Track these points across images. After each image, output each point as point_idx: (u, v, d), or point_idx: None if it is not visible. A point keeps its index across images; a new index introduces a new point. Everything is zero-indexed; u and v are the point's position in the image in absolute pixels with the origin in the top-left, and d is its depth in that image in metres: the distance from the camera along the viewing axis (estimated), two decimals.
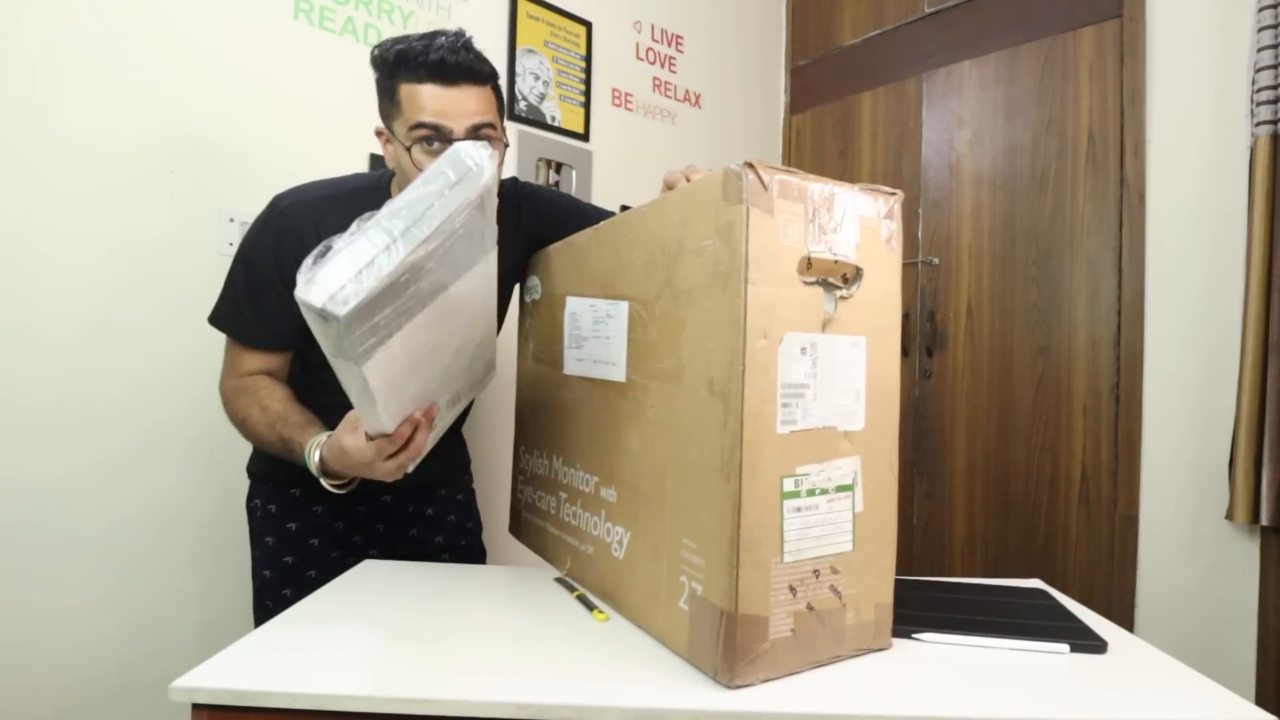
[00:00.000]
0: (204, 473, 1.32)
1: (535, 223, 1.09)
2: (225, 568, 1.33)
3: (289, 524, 1.05)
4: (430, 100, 0.85)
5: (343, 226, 0.92)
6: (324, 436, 0.84)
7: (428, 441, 0.80)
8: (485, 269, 0.76)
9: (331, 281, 0.60)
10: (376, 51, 0.88)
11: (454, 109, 0.86)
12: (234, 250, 1.31)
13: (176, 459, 1.30)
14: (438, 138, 0.86)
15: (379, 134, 0.94)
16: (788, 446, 0.65)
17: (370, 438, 0.75)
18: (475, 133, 0.88)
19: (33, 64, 1.16)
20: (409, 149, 0.86)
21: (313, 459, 0.83)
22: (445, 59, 0.85)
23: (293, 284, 0.90)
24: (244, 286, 0.95)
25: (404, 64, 0.86)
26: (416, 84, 0.85)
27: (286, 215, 0.92)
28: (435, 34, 0.87)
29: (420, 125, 0.85)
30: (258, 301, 0.94)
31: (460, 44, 0.87)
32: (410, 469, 0.80)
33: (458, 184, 0.64)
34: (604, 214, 1.11)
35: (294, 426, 0.88)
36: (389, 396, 0.71)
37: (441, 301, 0.70)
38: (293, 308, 0.91)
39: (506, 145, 0.95)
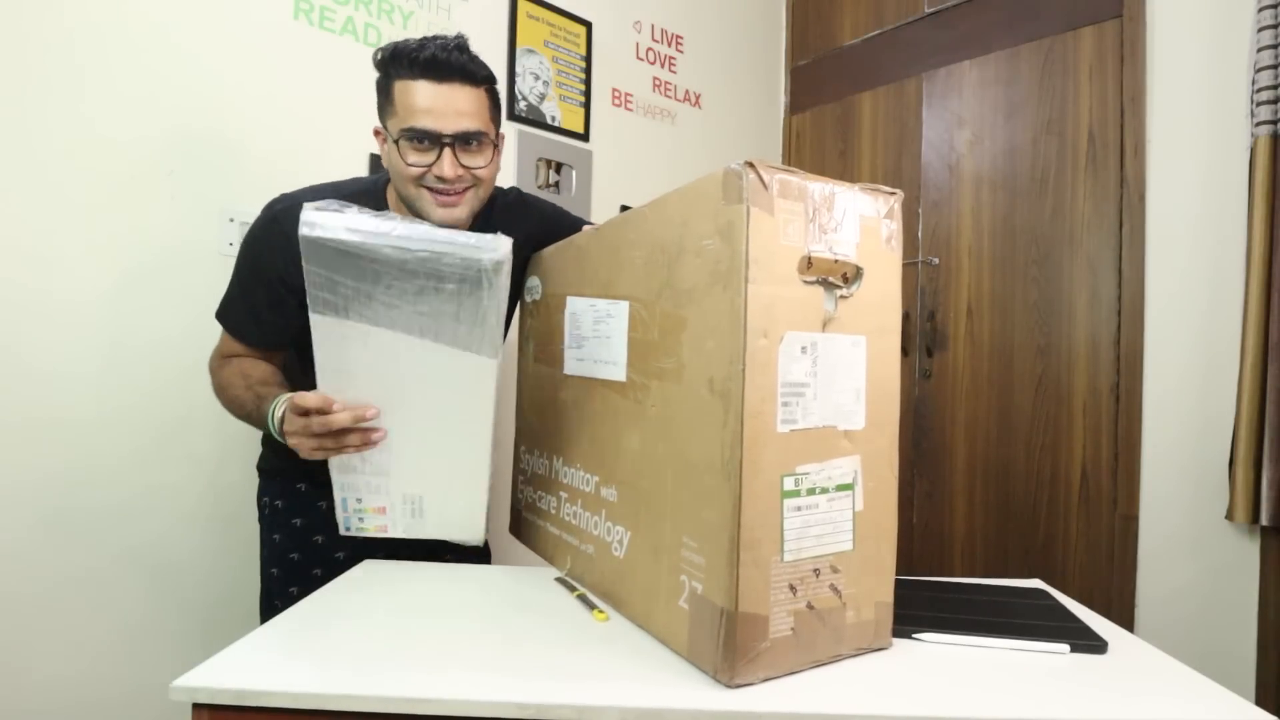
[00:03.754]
0: (207, 471, 1.32)
1: (539, 233, 1.11)
2: (229, 566, 1.33)
3: (294, 519, 1.07)
4: (422, 97, 0.87)
5: None
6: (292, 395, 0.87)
7: (377, 461, 0.86)
8: (472, 371, 0.82)
9: (322, 218, 0.75)
10: (377, 52, 0.90)
11: (444, 106, 0.88)
12: (234, 250, 1.33)
13: (178, 457, 1.30)
14: (427, 139, 0.88)
15: (376, 133, 0.96)
16: (788, 445, 0.65)
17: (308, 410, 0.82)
18: (464, 139, 0.90)
19: (32, 65, 1.16)
20: (397, 142, 0.89)
21: (276, 412, 0.86)
22: (437, 55, 0.87)
23: (280, 285, 0.94)
24: (237, 282, 0.99)
25: (398, 60, 0.88)
26: (410, 80, 0.87)
27: (278, 219, 0.94)
28: (432, 36, 0.89)
29: (411, 129, 0.88)
30: (249, 300, 0.97)
31: (454, 44, 0.89)
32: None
33: (473, 260, 0.76)
34: (582, 222, 1.17)
35: (272, 387, 0.92)
36: (329, 372, 0.82)
37: (403, 344, 0.79)
38: (281, 311, 0.96)
39: (498, 147, 0.97)
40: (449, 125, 0.88)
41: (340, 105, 1.47)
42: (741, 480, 0.62)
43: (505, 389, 1.27)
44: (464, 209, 0.93)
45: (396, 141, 0.88)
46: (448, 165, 0.89)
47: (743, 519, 0.62)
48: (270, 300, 0.96)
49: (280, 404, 0.86)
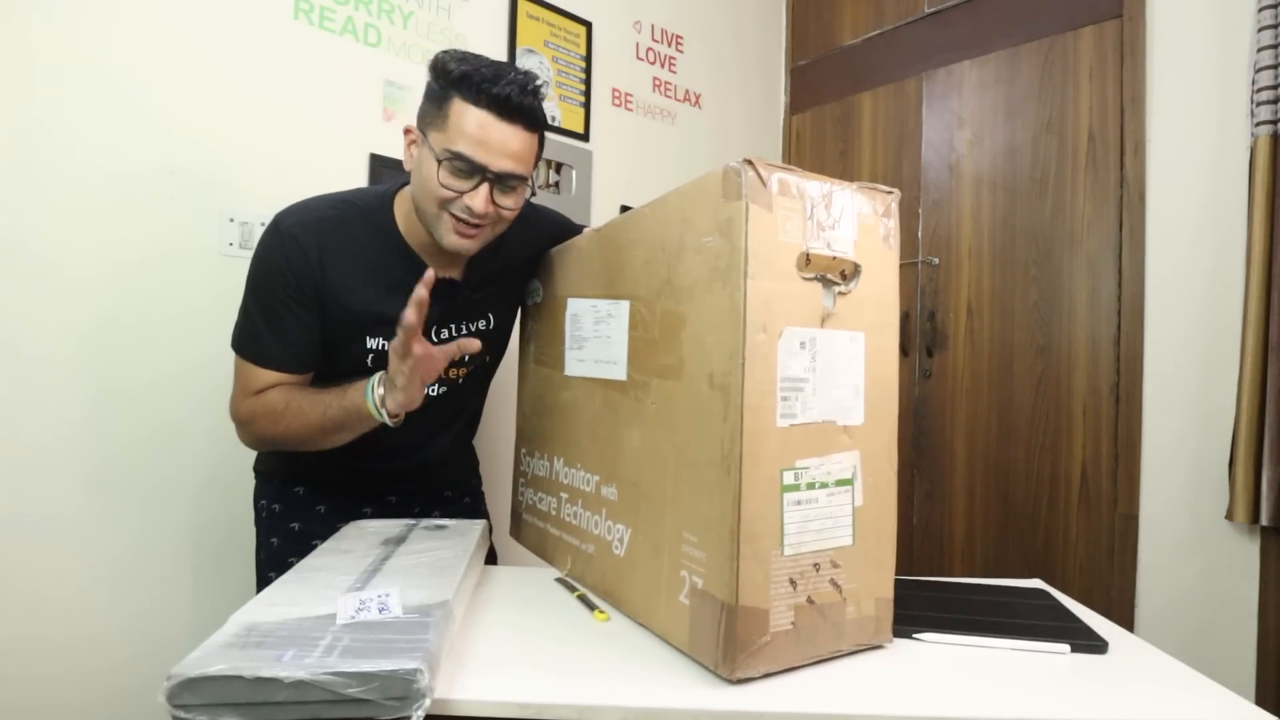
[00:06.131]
0: (205, 473, 1.32)
1: (550, 243, 1.11)
2: (226, 568, 1.32)
3: (293, 524, 1.05)
4: (480, 128, 0.85)
5: (346, 249, 0.93)
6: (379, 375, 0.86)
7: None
8: None
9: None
10: (441, 57, 0.87)
11: (498, 144, 0.86)
12: (234, 250, 1.33)
13: (175, 457, 1.29)
14: (471, 168, 0.86)
15: (407, 131, 0.93)
16: (787, 439, 0.65)
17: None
18: (505, 179, 0.88)
19: (33, 65, 1.16)
20: (439, 163, 0.86)
21: (375, 390, 0.85)
22: (512, 97, 0.85)
23: (305, 302, 0.91)
24: (259, 311, 0.92)
25: (467, 84, 0.85)
26: (474, 106, 0.85)
27: (292, 234, 0.91)
28: (506, 66, 0.87)
29: (459, 155, 0.85)
30: (275, 325, 0.92)
31: (531, 87, 0.88)
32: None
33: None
34: (582, 228, 1.15)
35: (339, 390, 0.89)
36: None
37: None
38: (309, 326, 0.93)
39: (533, 194, 0.95)
40: (496, 162, 0.86)
41: (340, 105, 1.47)
42: (741, 473, 0.62)
43: (506, 392, 1.28)
44: (478, 243, 0.92)
45: (439, 162, 0.86)
46: (481, 200, 0.87)
47: (743, 512, 0.62)
48: (295, 319, 0.92)
49: (376, 382, 0.85)
